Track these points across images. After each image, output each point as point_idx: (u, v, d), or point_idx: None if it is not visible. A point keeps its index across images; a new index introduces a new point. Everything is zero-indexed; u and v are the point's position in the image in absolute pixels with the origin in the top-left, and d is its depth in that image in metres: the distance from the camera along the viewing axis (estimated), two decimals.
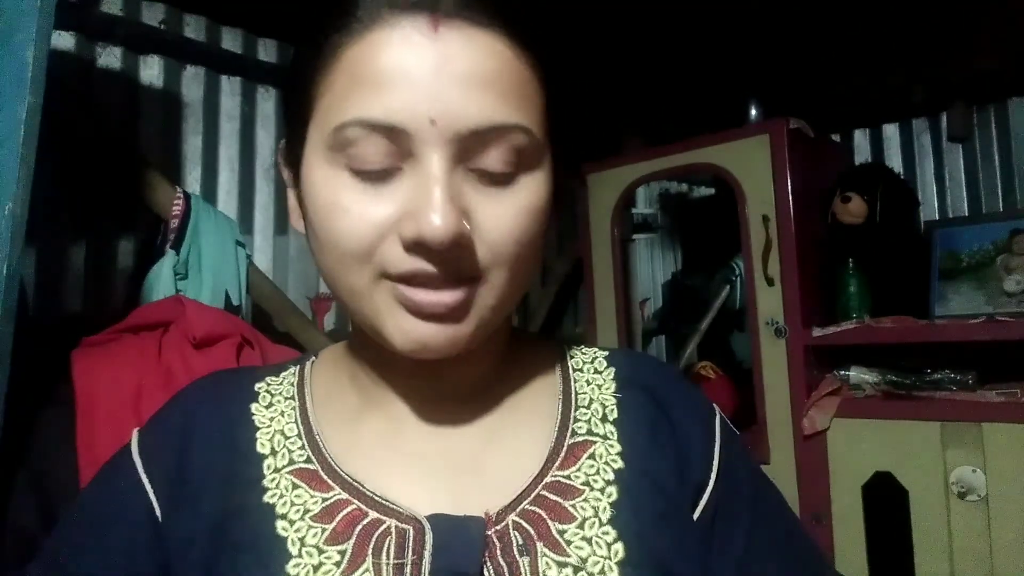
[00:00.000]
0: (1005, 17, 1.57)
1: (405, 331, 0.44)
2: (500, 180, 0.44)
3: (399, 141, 0.41)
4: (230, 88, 1.61)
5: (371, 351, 0.51)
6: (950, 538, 1.43)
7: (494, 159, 0.43)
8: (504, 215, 0.44)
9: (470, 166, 0.43)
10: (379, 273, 0.43)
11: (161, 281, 1.26)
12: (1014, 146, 1.98)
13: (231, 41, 1.61)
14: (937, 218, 2.07)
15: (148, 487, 0.49)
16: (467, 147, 0.42)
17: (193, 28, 1.53)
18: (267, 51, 1.68)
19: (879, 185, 1.75)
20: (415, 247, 0.41)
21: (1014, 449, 1.37)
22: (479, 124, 0.41)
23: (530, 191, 0.45)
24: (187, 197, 1.35)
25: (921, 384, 1.53)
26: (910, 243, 1.80)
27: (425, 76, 0.41)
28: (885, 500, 1.52)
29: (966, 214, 2.05)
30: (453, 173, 0.42)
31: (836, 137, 2.29)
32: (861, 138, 2.28)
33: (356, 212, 0.42)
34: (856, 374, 1.62)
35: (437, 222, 0.40)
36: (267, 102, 1.68)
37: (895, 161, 2.18)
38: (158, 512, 0.49)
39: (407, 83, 0.41)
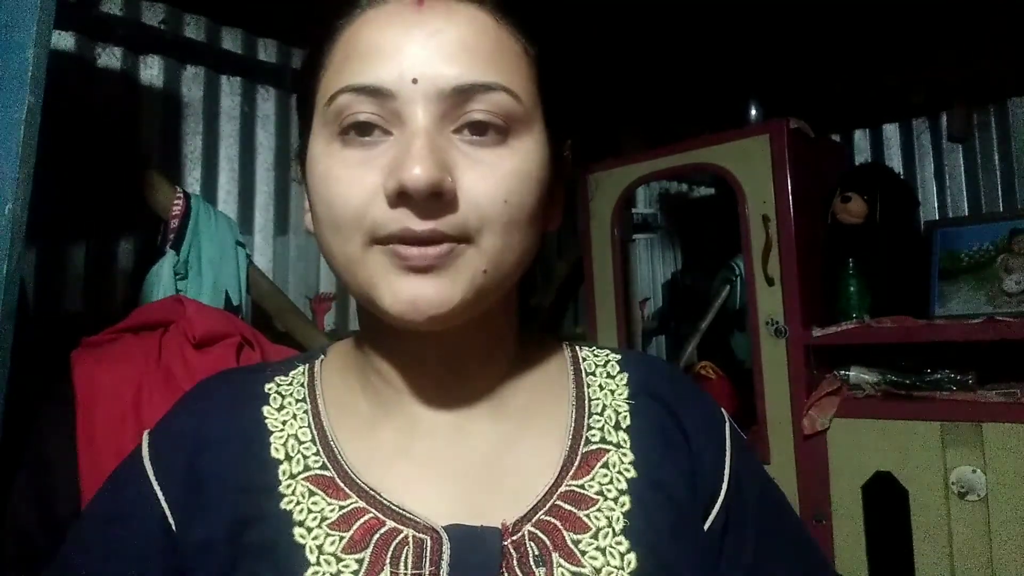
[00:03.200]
0: (1005, 17, 1.57)
1: (396, 291, 0.43)
2: (488, 143, 0.44)
3: (385, 103, 0.44)
4: (230, 88, 1.61)
5: (381, 348, 0.51)
6: (950, 538, 1.43)
7: (478, 115, 0.44)
8: (491, 175, 0.44)
9: (456, 127, 0.44)
10: (370, 238, 0.44)
11: (161, 281, 1.26)
12: (1014, 146, 1.98)
13: (231, 41, 1.61)
14: (937, 218, 2.07)
15: (160, 495, 0.49)
16: (451, 106, 0.44)
17: (193, 28, 1.53)
18: (267, 51, 1.68)
19: (879, 185, 1.75)
20: (398, 199, 0.42)
21: (1014, 449, 1.37)
22: (460, 81, 0.43)
23: (519, 156, 0.45)
24: (187, 197, 1.35)
25: (921, 384, 1.53)
26: (910, 243, 1.80)
27: (409, 44, 0.44)
28: (885, 500, 1.52)
29: (966, 214, 2.05)
30: (438, 134, 0.44)
31: (836, 137, 2.29)
32: (861, 138, 2.28)
33: (347, 179, 0.44)
34: (856, 374, 1.62)
35: (416, 171, 0.41)
36: (267, 102, 1.68)
37: (895, 161, 2.18)
38: (171, 520, 0.48)
39: (392, 52, 0.44)
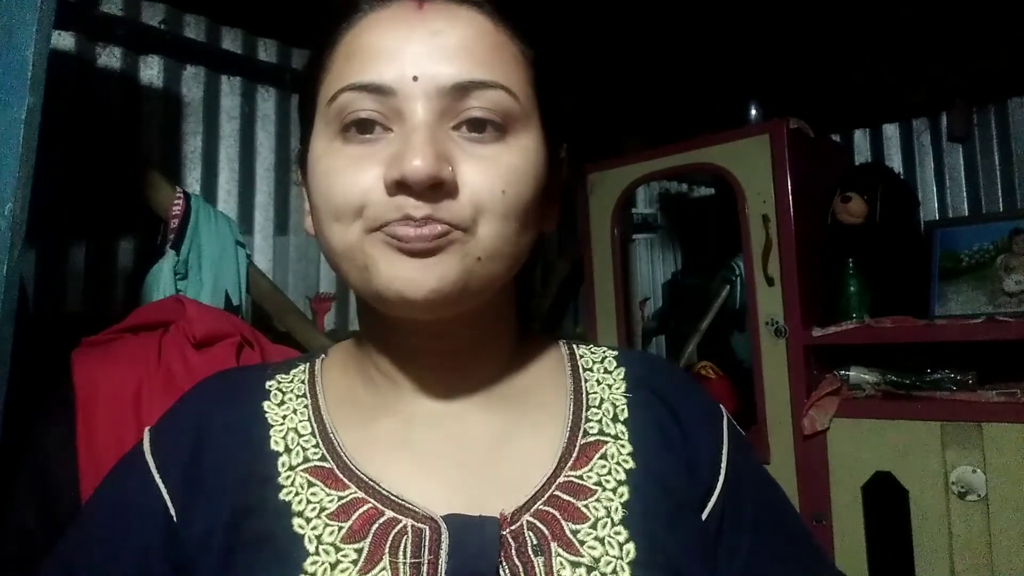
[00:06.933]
0: (1005, 17, 1.57)
1: (392, 273, 0.44)
2: (486, 139, 0.46)
3: (386, 100, 0.45)
4: (230, 88, 1.61)
5: (380, 345, 0.52)
6: (950, 538, 1.43)
7: (476, 112, 0.45)
8: (489, 168, 0.45)
9: (455, 123, 0.46)
10: (370, 226, 0.45)
11: (161, 281, 1.26)
12: (1014, 146, 1.98)
13: (231, 41, 1.61)
14: (937, 218, 2.07)
15: (162, 487, 0.49)
16: (450, 102, 0.45)
17: (193, 28, 1.53)
18: (267, 51, 1.68)
19: (879, 185, 1.75)
20: (397, 188, 0.44)
21: (1014, 449, 1.37)
22: (459, 79, 0.45)
23: (517, 152, 0.47)
24: (187, 197, 1.35)
25: (921, 384, 1.53)
26: (910, 243, 1.80)
27: (410, 44, 0.45)
28: (885, 500, 1.52)
29: (966, 214, 2.05)
30: (438, 128, 0.45)
31: (836, 137, 2.29)
32: (861, 138, 2.28)
33: (348, 172, 0.46)
34: (856, 374, 1.62)
35: (417, 162, 0.42)
36: (267, 102, 1.68)
37: (895, 161, 2.19)
38: (172, 512, 0.48)
39: (393, 51, 0.45)
